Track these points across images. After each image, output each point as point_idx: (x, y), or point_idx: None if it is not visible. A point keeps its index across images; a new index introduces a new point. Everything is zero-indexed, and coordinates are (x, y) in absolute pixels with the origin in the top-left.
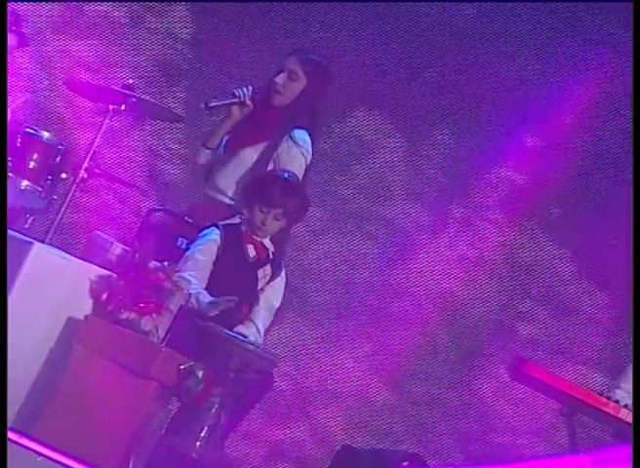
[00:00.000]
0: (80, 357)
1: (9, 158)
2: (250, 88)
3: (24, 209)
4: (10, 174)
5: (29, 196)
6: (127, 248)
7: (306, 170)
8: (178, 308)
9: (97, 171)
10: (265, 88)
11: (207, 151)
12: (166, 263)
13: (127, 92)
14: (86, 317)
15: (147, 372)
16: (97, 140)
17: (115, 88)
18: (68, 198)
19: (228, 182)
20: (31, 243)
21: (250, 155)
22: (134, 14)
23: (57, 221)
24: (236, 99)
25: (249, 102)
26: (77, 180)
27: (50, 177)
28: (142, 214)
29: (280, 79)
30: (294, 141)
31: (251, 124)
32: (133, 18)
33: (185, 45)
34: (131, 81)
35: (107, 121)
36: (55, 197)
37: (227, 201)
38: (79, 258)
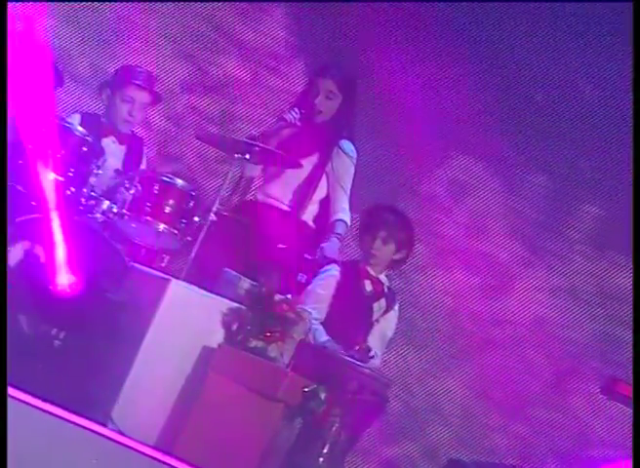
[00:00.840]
0: (214, 382)
1: (147, 204)
2: (297, 110)
3: (162, 249)
4: (148, 218)
5: (166, 238)
6: (254, 282)
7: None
8: (300, 336)
9: (224, 214)
10: (308, 109)
11: (256, 166)
12: (289, 296)
13: (250, 142)
14: (219, 345)
15: (275, 395)
16: (224, 186)
17: (240, 139)
18: (200, 238)
19: (285, 192)
20: (169, 280)
21: (305, 167)
22: (255, 73)
23: (190, 260)
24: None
25: (298, 124)
26: (208, 223)
27: (184, 221)
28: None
29: (319, 101)
30: (344, 153)
31: (300, 140)
32: (254, 76)
33: None
34: (254, 132)
35: (233, 169)
36: (189, 238)
37: (285, 207)
38: (211, 293)
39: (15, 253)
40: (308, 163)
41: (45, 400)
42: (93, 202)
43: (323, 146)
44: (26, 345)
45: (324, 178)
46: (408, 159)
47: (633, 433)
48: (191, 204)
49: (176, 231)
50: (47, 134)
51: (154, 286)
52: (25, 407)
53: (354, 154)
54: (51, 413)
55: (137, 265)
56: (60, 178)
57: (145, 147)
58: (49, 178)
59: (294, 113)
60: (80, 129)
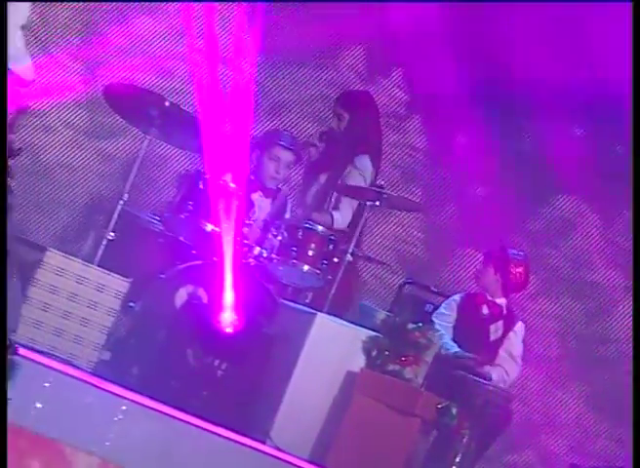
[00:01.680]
0: (358, 401)
1: (293, 249)
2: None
3: (306, 287)
4: (294, 260)
5: (310, 277)
6: (389, 313)
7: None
8: (432, 359)
9: (359, 254)
10: (329, 134)
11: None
12: (420, 324)
13: (380, 190)
14: (361, 369)
15: (413, 411)
16: (357, 231)
17: (371, 188)
18: (339, 277)
19: (312, 200)
20: (315, 313)
21: (323, 178)
22: None
23: (331, 295)
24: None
25: (321, 144)
26: (345, 263)
27: (325, 262)
28: (394, 287)
29: (334, 123)
30: (355, 167)
31: (324, 157)
32: None
33: (419, 152)
34: (382, 182)
35: (365, 214)
36: (329, 276)
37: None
38: (351, 323)
39: (180, 296)
40: (325, 176)
41: (211, 422)
42: (246, 249)
43: (338, 162)
44: (193, 375)
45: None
46: (517, 201)
47: (633, 433)
48: (330, 246)
49: (318, 271)
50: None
51: (302, 319)
52: (194, 429)
53: (366, 168)
54: (216, 434)
55: (286, 302)
56: (217, 229)
57: (289, 199)
58: (207, 229)
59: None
60: (233, 185)
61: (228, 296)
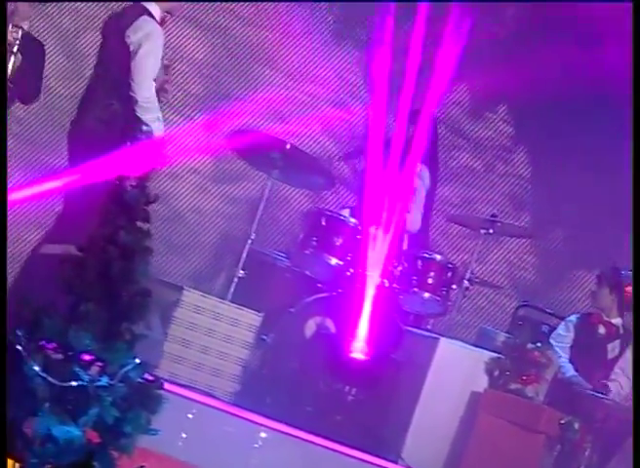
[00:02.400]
0: (484, 420)
1: (413, 278)
2: None
3: (427, 314)
4: (415, 289)
5: (431, 304)
6: (508, 335)
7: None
8: (552, 377)
9: (476, 280)
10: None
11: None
12: (539, 344)
13: (493, 219)
14: (484, 390)
15: (537, 428)
16: (472, 259)
17: (482, 217)
18: (459, 302)
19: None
20: (438, 338)
21: None
22: (487, 162)
23: (451, 320)
24: None
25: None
26: (462, 289)
27: (444, 289)
28: (510, 310)
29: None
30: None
31: None
32: (486, 165)
33: (527, 182)
34: (494, 211)
35: (479, 243)
36: (449, 303)
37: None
38: (474, 346)
39: (309, 327)
40: None
41: (345, 445)
42: (369, 280)
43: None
44: (325, 401)
45: None
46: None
47: (633, 432)
48: (449, 274)
49: (438, 298)
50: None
51: (426, 344)
52: (330, 452)
53: (426, 178)
54: (351, 456)
55: (410, 329)
56: (341, 263)
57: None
58: (332, 263)
59: None
60: (353, 220)
61: (358, 326)
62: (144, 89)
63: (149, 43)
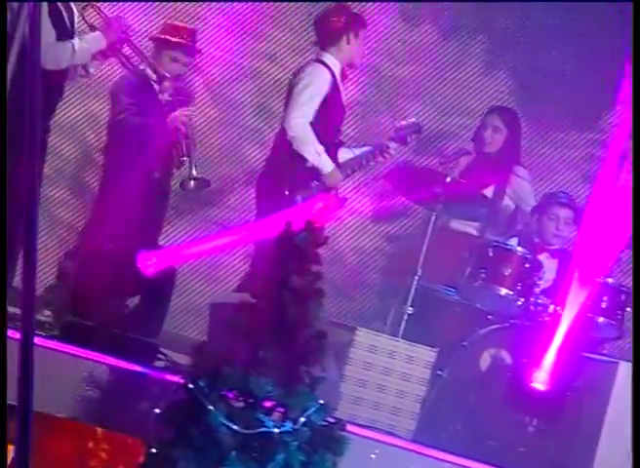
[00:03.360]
0: None
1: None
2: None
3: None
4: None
5: (606, 328)
6: None
7: None
8: None
9: None
10: (479, 141)
11: None
12: None
13: None
14: None
15: None
16: None
17: None
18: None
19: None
20: (617, 362)
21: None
22: None
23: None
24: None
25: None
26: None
27: (619, 312)
28: None
29: (488, 134)
30: (521, 177)
31: (477, 170)
32: None
33: None
34: None
35: None
36: (624, 326)
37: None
38: None
39: (484, 360)
40: (489, 191)
41: None
42: (540, 308)
43: (499, 172)
44: (506, 434)
45: (506, 199)
46: None
47: (633, 432)
48: (622, 297)
49: (614, 322)
50: None
51: (606, 369)
52: None
53: (528, 177)
54: None
55: (588, 355)
56: (511, 292)
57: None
58: (502, 294)
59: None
60: (521, 249)
61: (536, 355)
62: (292, 117)
63: (308, 78)
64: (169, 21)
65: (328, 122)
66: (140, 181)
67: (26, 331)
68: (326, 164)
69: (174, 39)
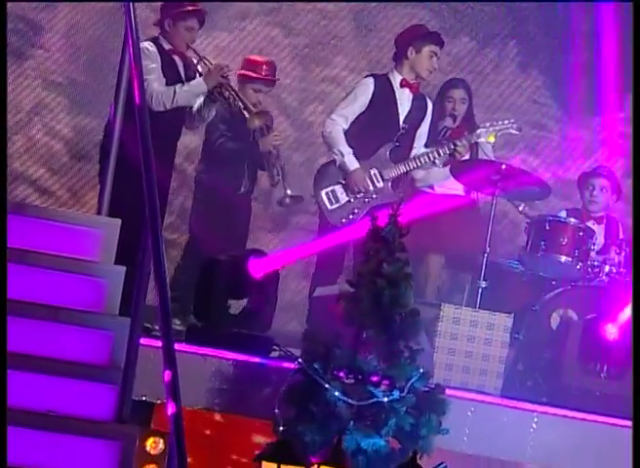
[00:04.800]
0: None
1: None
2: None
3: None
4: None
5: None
6: None
7: None
8: None
9: None
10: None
11: None
12: None
13: None
14: None
15: None
16: None
17: None
18: None
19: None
20: None
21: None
22: None
23: None
24: None
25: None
26: None
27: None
28: None
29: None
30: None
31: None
32: None
33: None
34: None
35: None
36: None
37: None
38: None
39: (554, 319)
40: None
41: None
42: (597, 270)
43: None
44: (580, 382)
45: None
46: None
47: (633, 432)
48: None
49: (570, 259)
50: None
51: None
52: (597, 425)
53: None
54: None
55: None
56: (570, 259)
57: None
58: (562, 261)
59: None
60: (573, 220)
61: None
62: (328, 119)
63: (356, 89)
64: (247, 56)
65: (372, 127)
66: (232, 198)
67: (166, 337)
68: (350, 164)
69: (255, 75)
